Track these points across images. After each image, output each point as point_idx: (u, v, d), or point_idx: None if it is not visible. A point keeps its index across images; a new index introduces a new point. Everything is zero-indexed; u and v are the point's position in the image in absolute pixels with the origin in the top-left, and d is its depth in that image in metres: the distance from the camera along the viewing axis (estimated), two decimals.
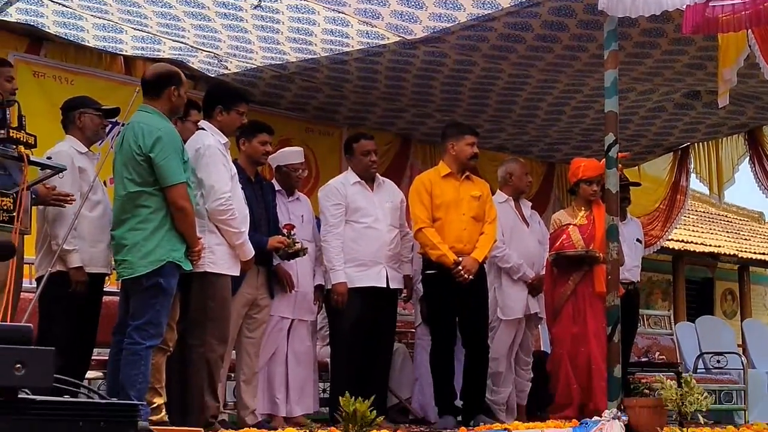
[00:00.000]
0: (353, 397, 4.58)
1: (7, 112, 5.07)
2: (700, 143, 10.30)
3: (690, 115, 9.23)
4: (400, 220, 6.83)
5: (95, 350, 5.86)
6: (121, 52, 7.86)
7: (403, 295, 6.94)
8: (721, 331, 11.39)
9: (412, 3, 6.65)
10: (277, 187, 6.63)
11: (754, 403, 9.97)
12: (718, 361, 10.10)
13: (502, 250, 7.16)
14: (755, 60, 6.08)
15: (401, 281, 6.78)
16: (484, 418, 6.41)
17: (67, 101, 5.88)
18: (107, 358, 5.36)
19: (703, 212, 17.39)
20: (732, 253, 15.84)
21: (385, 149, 9.40)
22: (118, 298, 5.40)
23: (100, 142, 6.19)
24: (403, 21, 6.90)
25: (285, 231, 6.26)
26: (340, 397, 4.66)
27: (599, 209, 6.80)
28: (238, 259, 5.58)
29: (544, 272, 7.20)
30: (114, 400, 2.98)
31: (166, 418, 5.17)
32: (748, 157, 9.90)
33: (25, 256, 5.38)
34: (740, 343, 12.06)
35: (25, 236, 5.05)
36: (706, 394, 6.05)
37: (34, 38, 7.47)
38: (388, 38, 7.23)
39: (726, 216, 18.26)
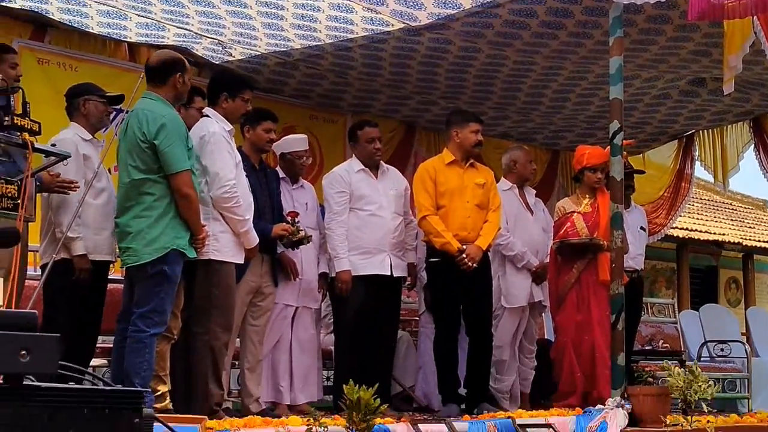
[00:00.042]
0: (357, 385, 4.58)
1: (12, 99, 5.06)
2: (705, 131, 10.29)
3: (695, 103, 9.21)
4: (404, 208, 6.83)
5: (100, 338, 5.87)
6: (125, 39, 7.84)
7: (407, 282, 6.94)
8: (725, 319, 11.39)
9: None
10: (281, 174, 6.62)
11: (758, 391, 9.97)
12: (722, 350, 10.09)
13: (506, 237, 7.15)
14: (761, 47, 6.07)
15: (405, 269, 6.78)
16: (487, 406, 6.41)
17: (71, 88, 5.86)
18: (111, 345, 5.37)
19: (708, 200, 17.37)
20: (736, 241, 15.82)
21: (389, 137, 9.39)
22: (123, 285, 5.40)
23: (104, 129, 6.19)
24: (408, 8, 6.88)
25: (289, 218, 6.25)
26: (344, 385, 4.66)
27: (603, 197, 6.79)
28: (242, 247, 5.58)
29: (548, 260, 7.19)
30: (119, 387, 2.99)
31: (170, 406, 5.18)
32: (753, 145, 9.89)
33: (29, 244, 5.39)
34: (744, 331, 12.05)
35: (30, 223, 5.06)
36: (711, 382, 6.05)
37: (38, 25, 7.46)
38: (392, 25, 7.21)
39: (730, 204, 18.24)
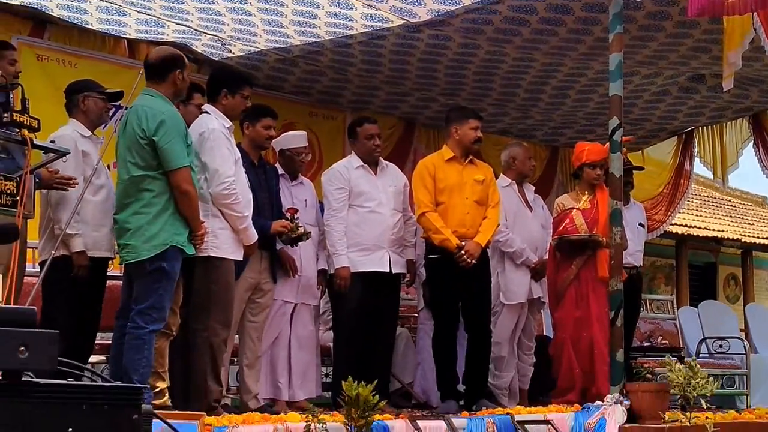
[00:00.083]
0: (356, 382, 4.59)
1: (11, 96, 5.07)
2: (705, 127, 10.29)
3: (694, 99, 9.20)
4: (403, 204, 6.82)
5: (98, 334, 5.87)
6: (124, 36, 7.84)
7: (406, 279, 6.94)
8: (724, 315, 11.39)
9: None
10: (280, 171, 6.62)
11: (757, 387, 9.96)
12: (721, 346, 10.09)
13: (505, 234, 7.15)
14: (760, 43, 6.07)
15: (404, 266, 6.78)
16: (486, 403, 6.42)
17: (70, 84, 5.86)
18: (110, 342, 5.37)
19: (707, 196, 17.38)
20: (735, 238, 15.82)
21: (388, 133, 9.39)
22: (121, 282, 5.40)
23: (103, 125, 6.19)
24: (407, 4, 6.88)
25: (288, 215, 6.25)
26: (343, 382, 4.66)
27: (603, 193, 6.80)
28: (241, 244, 5.58)
29: (547, 257, 7.19)
30: (118, 383, 2.99)
31: (169, 403, 5.18)
32: (752, 141, 9.89)
33: (28, 240, 5.38)
34: (743, 327, 12.05)
35: (28, 220, 5.07)
36: (711, 378, 6.06)
37: (37, 21, 7.46)
38: (392, 21, 7.21)
39: (730, 200, 18.24)
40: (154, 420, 2.74)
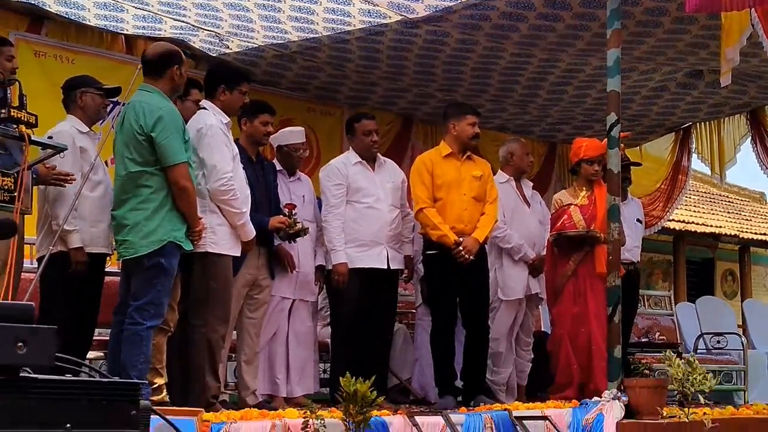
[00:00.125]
0: (354, 378, 4.58)
1: (8, 92, 5.07)
2: (702, 123, 10.29)
3: (692, 95, 9.21)
4: (401, 201, 6.83)
5: (96, 330, 5.86)
6: (122, 31, 7.83)
7: (404, 275, 6.94)
8: (722, 311, 11.41)
9: None
10: (278, 167, 6.62)
11: (754, 383, 9.99)
12: (718, 342, 10.11)
13: (503, 230, 7.15)
14: (758, 39, 6.08)
15: (402, 262, 6.78)
16: (484, 399, 6.42)
17: (68, 80, 5.86)
18: (108, 338, 5.37)
19: (705, 192, 17.38)
20: (733, 234, 15.84)
21: (386, 129, 9.39)
22: (119, 278, 5.40)
23: (101, 121, 6.18)
24: (405, 0, 6.87)
25: (286, 211, 6.25)
26: (341, 378, 4.66)
27: (600, 189, 6.80)
28: (239, 240, 5.57)
29: (545, 252, 7.20)
30: (116, 379, 2.99)
31: (167, 399, 5.18)
32: (750, 137, 9.90)
33: (26, 236, 5.38)
34: (740, 323, 12.08)
35: (26, 216, 5.06)
36: (709, 374, 6.06)
37: (35, 17, 7.44)
38: (389, 17, 7.20)
39: (727, 196, 18.25)
40: (152, 416, 2.73)
